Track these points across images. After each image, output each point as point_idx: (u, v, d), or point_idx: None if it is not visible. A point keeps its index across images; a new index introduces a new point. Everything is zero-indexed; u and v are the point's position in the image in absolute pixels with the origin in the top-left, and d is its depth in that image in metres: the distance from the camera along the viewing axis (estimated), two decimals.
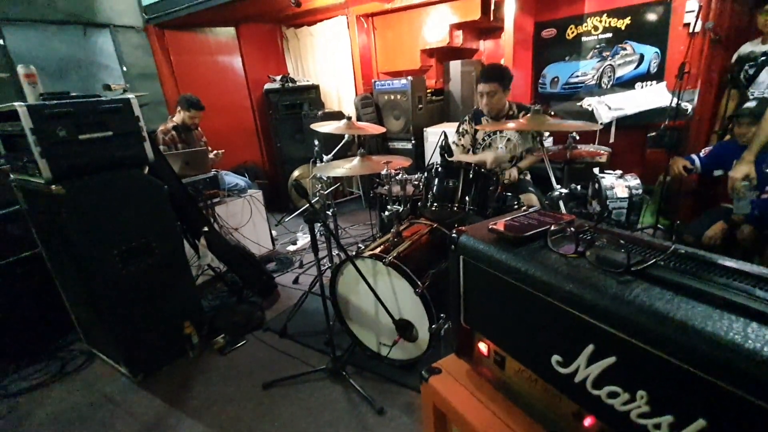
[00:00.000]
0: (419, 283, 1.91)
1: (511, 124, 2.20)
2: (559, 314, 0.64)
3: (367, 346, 2.29)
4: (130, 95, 1.98)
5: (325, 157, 2.87)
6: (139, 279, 2.11)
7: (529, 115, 2.09)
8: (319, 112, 4.36)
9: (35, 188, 1.85)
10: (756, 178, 1.97)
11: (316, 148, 3.32)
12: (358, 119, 4.42)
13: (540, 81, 4.30)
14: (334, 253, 2.78)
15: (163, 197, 2.15)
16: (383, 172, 2.13)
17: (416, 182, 2.33)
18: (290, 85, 4.51)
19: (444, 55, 4.73)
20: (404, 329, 2.06)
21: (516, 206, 2.34)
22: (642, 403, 0.56)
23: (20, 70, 1.86)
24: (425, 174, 2.19)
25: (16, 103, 1.66)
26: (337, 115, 4.56)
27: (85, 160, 1.84)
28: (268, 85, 4.57)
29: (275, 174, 4.90)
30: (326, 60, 4.91)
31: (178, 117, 3.37)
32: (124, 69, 3.73)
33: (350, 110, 4.72)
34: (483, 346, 0.88)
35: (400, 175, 2.20)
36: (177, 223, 2.32)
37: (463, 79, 4.53)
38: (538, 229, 0.77)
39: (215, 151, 3.48)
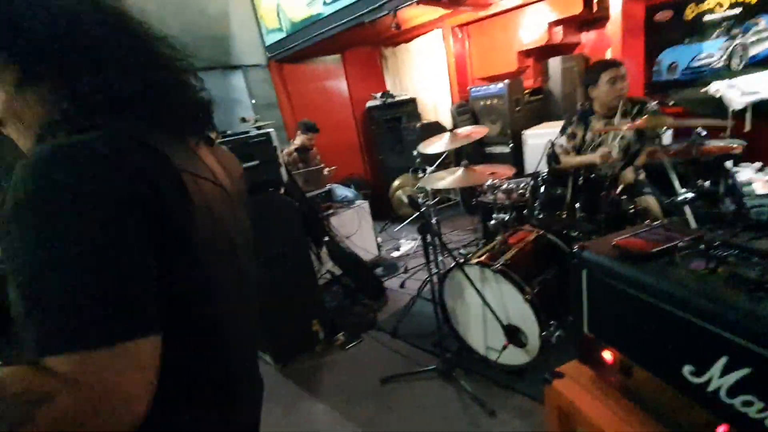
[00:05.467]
0: (528, 289, 1.96)
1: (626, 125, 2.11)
2: (692, 327, 0.70)
3: (475, 349, 2.38)
4: (270, 129, 2.38)
5: (428, 168, 3.04)
6: (277, 282, 2.50)
7: (646, 117, 1.99)
8: (417, 124, 4.57)
9: None
10: None
11: (418, 159, 3.53)
12: (455, 126, 4.53)
13: (654, 68, 3.94)
14: (440, 259, 2.94)
15: (295, 213, 2.53)
16: (488, 182, 2.21)
17: (521, 190, 2.36)
18: (389, 100, 4.82)
19: (542, 53, 4.59)
20: (513, 335, 2.12)
21: (632, 210, 2.23)
22: None
23: None
24: (531, 182, 2.22)
25: None
26: (435, 126, 4.73)
27: None
28: (369, 103, 4.93)
29: (377, 184, 5.24)
30: (422, 73, 5.12)
31: (298, 140, 3.84)
32: (253, 101, 4.39)
33: (446, 119, 4.84)
34: (608, 354, 0.94)
35: (506, 184, 2.27)
36: (305, 235, 2.69)
37: (564, 76, 4.35)
38: (665, 245, 0.82)
39: (328, 168, 3.89)
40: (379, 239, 4.22)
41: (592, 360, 1.00)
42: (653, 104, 1.98)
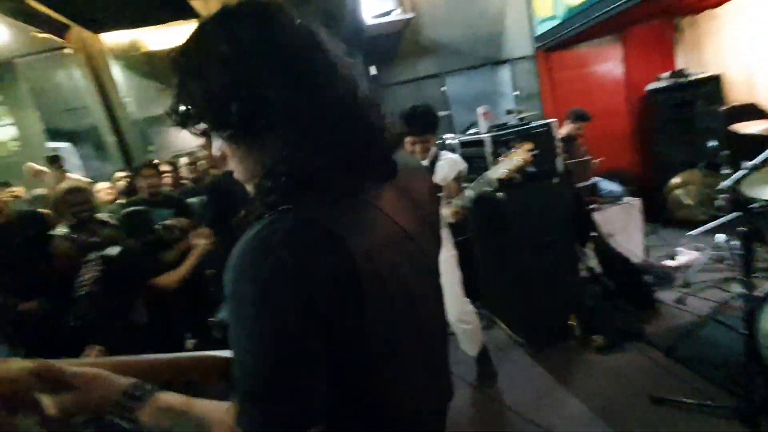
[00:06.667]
0: None
1: None
2: None
3: None
4: (552, 119, 2.42)
5: (746, 163, 2.42)
6: (542, 269, 2.56)
7: None
8: (720, 108, 3.66)
9: (485, 195, 2.58)
10: None
11: (722, 152, 2.87)
12: None
13: None
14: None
15: (567, 204, 2.51)
16: None
17: None
18: (681, 80, 4.02)
19: None
20: None
21: None
22: None
23: (480, 110, 2.66)
24: None
25: (484, 135, 2.41)
26: (748, 109, 3.68)
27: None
28: (651, 85, 4.26)
29: (647, 180, 4.52)
30: (738, 42, 4.00)
31: (565, 129, 3.71)
32: (517, 93, 4.52)
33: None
34: None
35: None
36: (573, 228, 2.64)
37: None
38: None
39: (596, 160, 3.62)
40: (648, 243, 3.67)
41: None
42: None
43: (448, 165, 2.26)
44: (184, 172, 3.29)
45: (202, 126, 0.61)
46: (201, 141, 0.66)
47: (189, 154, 3.59)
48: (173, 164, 3.56)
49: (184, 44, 0.59)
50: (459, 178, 2.29)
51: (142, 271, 2.21)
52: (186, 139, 4.83)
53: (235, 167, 0.63)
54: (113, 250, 2.17)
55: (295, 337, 0.49)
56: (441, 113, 3.87)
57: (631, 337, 2.67)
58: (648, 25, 4.46)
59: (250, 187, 0.63)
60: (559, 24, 4.05)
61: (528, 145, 1.70)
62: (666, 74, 4.20)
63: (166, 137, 5.11)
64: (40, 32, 3.18)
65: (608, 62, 4.64)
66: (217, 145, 0.63)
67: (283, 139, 0.55)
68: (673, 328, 2.67)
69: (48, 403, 0.60)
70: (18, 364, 0.61)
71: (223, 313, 0.78)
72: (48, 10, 3.01)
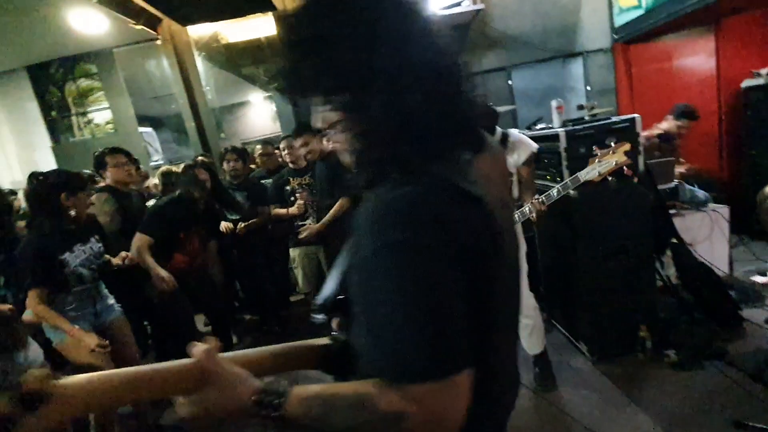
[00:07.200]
0: None
1: None
2: None
3: None
4: (635, 115, 2.26)
5: None
6: (612, 275, 2.40)
7: None
8: None
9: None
10: None
11: None
12: None
13: None
14: None
15: (646, 205, 2.33)
16: None
17: None
18: None
19: None
20: None
21: None
22: None
23: (554, 103, 2.54)
24: None
25: (558, 129, 2.30)
26: None
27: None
28: (747, 82, 3.83)
29: (737, 186, 4.10)
30: None
31: (665, 124, 3.39)
32: (588, 88, 4.27)
33: None
34: None
35: None
36: (652, 232, 2.45)
37: None
38: None
39: (685, 167, 3.33)
40: (733, 255, 3.34)
41: None
42: None
43: (518, 150, 2.16)
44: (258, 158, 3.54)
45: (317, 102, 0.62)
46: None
47: (260, 141, 3.81)
48: (245, 150, 3.79)
49: (299, 18, 0.59)
50: (530, 162, 2.17)
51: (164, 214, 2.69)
52: (252, 128, 5.09)
53: (342, 137, 0.62)
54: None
55: (447, 285, 0.51)
56: (506, 108, 3.74)
57: (710, 355, 2.45)
58: (747, 15, 4.01)
59: (352, 156, 0.62)
60: (644, 14, 3.76)
61: (625, 146, 1.58)
62: (765, 70, 3.77)
63: (234, 125, 5.41)
64: (136, 24, 3.49)
65: (697, 56, 4.23)
66: (321, 117, 0.63)
67: (391, 106, 0.55)
68: (761, 350, 2.43)
69: (182, 403, 0.59)
70: (187, 362, 0.59)
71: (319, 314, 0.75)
72: (143, 3, 3.28)
